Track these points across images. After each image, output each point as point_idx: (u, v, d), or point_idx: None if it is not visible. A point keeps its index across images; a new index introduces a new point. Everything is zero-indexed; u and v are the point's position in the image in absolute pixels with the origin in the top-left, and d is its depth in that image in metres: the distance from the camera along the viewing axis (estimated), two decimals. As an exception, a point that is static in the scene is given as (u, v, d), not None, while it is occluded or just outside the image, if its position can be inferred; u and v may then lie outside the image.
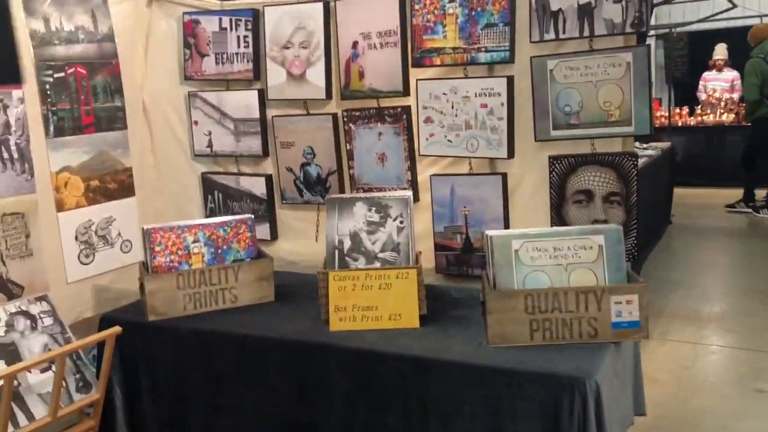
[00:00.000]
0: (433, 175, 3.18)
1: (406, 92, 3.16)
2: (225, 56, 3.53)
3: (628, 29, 2.66)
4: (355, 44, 3.23)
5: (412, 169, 3.23)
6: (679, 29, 11.52)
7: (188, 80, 3.68)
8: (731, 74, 10.53)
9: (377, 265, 2.78)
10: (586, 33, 2.74)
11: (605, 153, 2.83)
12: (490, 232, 2.52)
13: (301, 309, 2.86)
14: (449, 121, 3.08)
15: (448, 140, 3.10)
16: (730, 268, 6.00)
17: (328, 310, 2.62)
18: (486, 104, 2.97)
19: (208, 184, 3.73)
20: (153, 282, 2.84)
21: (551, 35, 2.81)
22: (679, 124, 10.29)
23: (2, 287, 2.99)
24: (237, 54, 3.50)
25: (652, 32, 11.81)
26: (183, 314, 2.87)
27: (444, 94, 3.07)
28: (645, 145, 7.43)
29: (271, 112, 3.52)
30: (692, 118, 10.27)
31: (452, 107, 3.06)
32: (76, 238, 3.34)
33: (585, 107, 2.81)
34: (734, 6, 7.05)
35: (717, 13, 9.38)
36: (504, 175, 3.02)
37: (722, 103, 10.18)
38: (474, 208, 3.08)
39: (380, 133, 3.26)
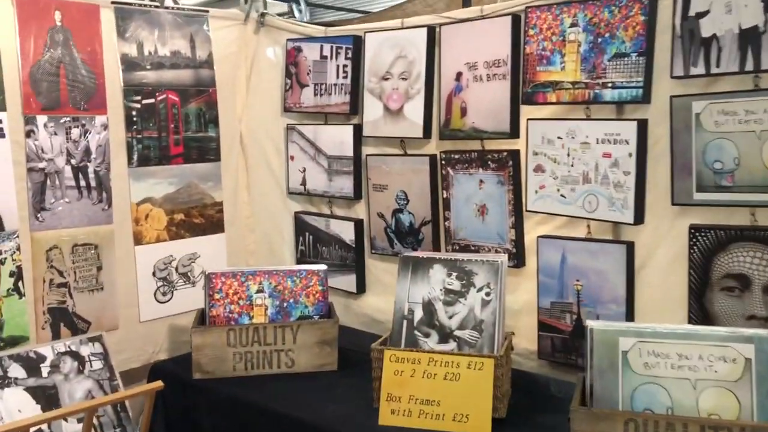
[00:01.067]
0: (541, 236, 2.59)
1: (513, 134, 2.62)
2: (324, 87, 3.21)
3: (812, 61, 1.94)
4: (458, 75, 2.75)
5: (517, 226, 2.66)
6: None
7: (287, 112, 3.41)
8: None
9: (452, 345, 2.26)
10: (750, 67, 2.04)
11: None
12: (592, 323, 1.91)
13: (362, 386, 2.40)
14: (564, 172, 2.48)
15: (562, 195, 2.50)
16: None
17: (381, 397, 2.14)
18: (609, 153, 2.35)
19: (300, 225, 3.41)
20: (200, 336, 2.53)
21: (700, 69, 2.13)
22: None
23: (67, 321, 2.86)
24: (336, 85, 3.17)
25: None
26: (232, 375, 2.54)
27: (559, 138, 2.49)
28: None
29: (366, 150, 3.14)
30: None
31: (568, 155, 2.47)
32: (154, 273, 3.16)
33: (743, 165, 2.09)
34: None
35: None
36: (629, 245, 2.36)
37: None
38: (589, 283, 2.45)
39: (481, 181, 2.73)
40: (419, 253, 2.50)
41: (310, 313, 2.70)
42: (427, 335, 2.30)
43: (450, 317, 2.30)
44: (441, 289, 2.33)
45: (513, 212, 2.66)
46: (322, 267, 2.78)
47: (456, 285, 2.32)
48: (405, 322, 2.33)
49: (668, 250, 2.31)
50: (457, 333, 2.28)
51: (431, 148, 2.94)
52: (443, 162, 2.85)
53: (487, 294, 2.28)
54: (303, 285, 2.72)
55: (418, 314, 2.33)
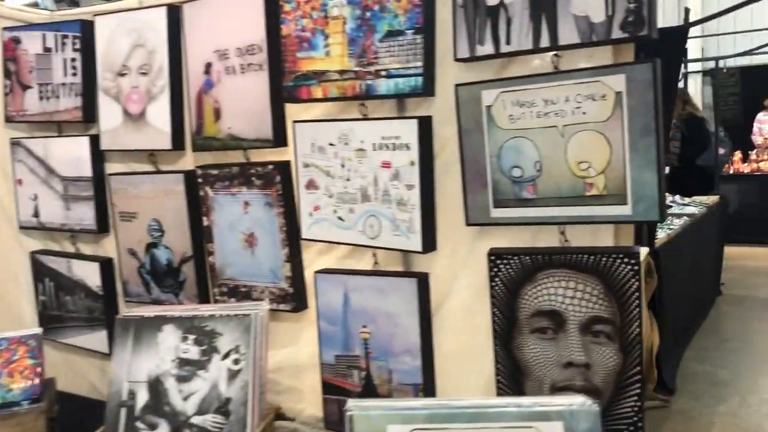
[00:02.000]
0: (319, 271, 2.01)
1: (278, 141, 2.02)
2: (50, 89, 2.47)
3: (617, 33, 1.48)
4: (208, 67, 2.12)
5: (293, 259, 2.07)
6: (730, 64, 10.17)
7: (10, 123, 2.62)
8: (790, 115, 9.12)
9: (183, 439, 1.61)
10: (546, 42, 1.56)
11: (583, 249, 1.62)
12: (352, 404, 1.35)
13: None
14: (339, 188, 1.92)
15: (339, 217, 1.93)
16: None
17: None
18: (389, 162, 1.81)
19: (38, 269, 2.64)
20: None
21: (488, 47, 1.64)
22: (731, 172, 8.88)
23: None
24: (64, 85, 2.43)
25: (698, 67, 10.50)
26: None
27: (331, 144, 1.92)
28: (687, 200, 6.09)
29: (109, 168, 2.43)
30: (746, 164, 8.85)
31: (342, 165, 1.90)
32: None
33: (546, 170, 1.61)
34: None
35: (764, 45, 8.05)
36: (422, 279, 1.83)
37: (782, 148, 8.75)
38: (378, 329, 1.89)
39: (247, 203, 2.11)
40: (143, 311, 1.83)
41: (17, 399, 1.95)
42: (153, 427, 1.65)
43: (185, 398, 1.66)
44: (173, 360, 1.69)
45: (287, 241, 2.06)
46: (36, 332, 2.04)
47: (193, 352, 1.68)
48: (123, 410, 1.67)
49: (469, 284, 1.80)
50: (195, 420, 1.64)
51: (187, 162, 2.29)
52: (200, 180, 2.20)
53: (236, 361, 1.67)
54: (5, 360, 1.97)
55: (142, 397, 1.67)
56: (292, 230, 2.04)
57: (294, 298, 2.07)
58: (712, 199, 6.20)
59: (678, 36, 3.95)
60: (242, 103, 2.05)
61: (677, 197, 6.30)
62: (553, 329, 1.66)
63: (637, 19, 1.44)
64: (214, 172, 2.16)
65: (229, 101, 2.09)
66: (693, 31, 10.53)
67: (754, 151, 9.00)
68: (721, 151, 7.14)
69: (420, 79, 1.72)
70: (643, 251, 4.15)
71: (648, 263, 4.10)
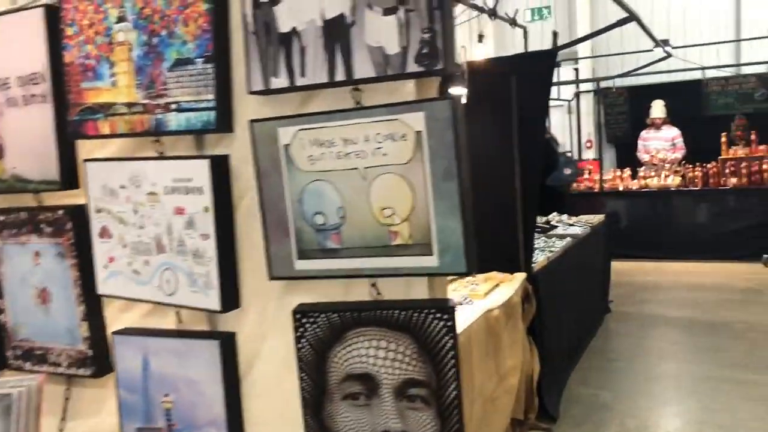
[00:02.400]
0: (117, 332, 1.75)
1: (66, 183, 1.76)
2: None
3: (412, 66, 1.32)
4: (-13, 99, 1.84)
5: (91, 317, 1.80)
6: (618, 84, 10.54)
7: None
8: (671, 132, 9.48)
9: None
10: (342, 75, 1.39)
11: (393, 304, 1.45)
12: None
13: None
14: (133, 237, 1.67)
15: (135, 271, 1.69)
16: (678, 385, 4.64)
17: None
18: (183, 208, 1.58)
19: None
20: None
21: (282, 79, 1.45)
22: (620, 189, 9.14)
23: None
24: None
25: (589, 87, 10.82)
26: None
27: (122, 187, 1.68)
28: (572, 220, 6.16)
29: None
30: (635, 181, 9.14)
31: (135, 211, 1.66)
32: None
33: (350, 217, 1.43)
34: (668, 55, 5.94)
35: (648, 64, 8.37)
36: (226, 340, 1.61)
37: (666, 165, 9.08)
38: (181, 398, 1.66)
39: (37, 253, 1.84)
40: None
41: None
42: None
43: None
44: None
45: (82, 297, 1.79)
46: None
47: (-65, 443, 1.39)
48: None
49: (278, 345, 1.59)
50: None
51: (-26, 206, 1.98)
52: (-14, 227, 1.91)
53: (-11, 451, 1.39)
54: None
55: None
56: (88, 285, 1.78)
57: (94, 362, 1.80)
58: (597, 218, 6.29)
59: (547, 59, 3.93)
60: (27, 139, 1.78)
61: (564, 217, 6.36)
62: (365, 395, 1.47)
63: (432, 51, 1.29)
64: (1, 218, 1.87)
65: (13, 137, 1.81)
66: (583, 52, 10.89)
67: (642, 168, 9.30)
68: (568, 171, 7.29)
69: (213, 114, 1.51)
70: (520, 277, 4.09)
71: (525, 289, 4.03)
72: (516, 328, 3.76)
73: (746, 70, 9.85)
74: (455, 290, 3.66)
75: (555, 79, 9.59)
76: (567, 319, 4.71)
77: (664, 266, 8.32)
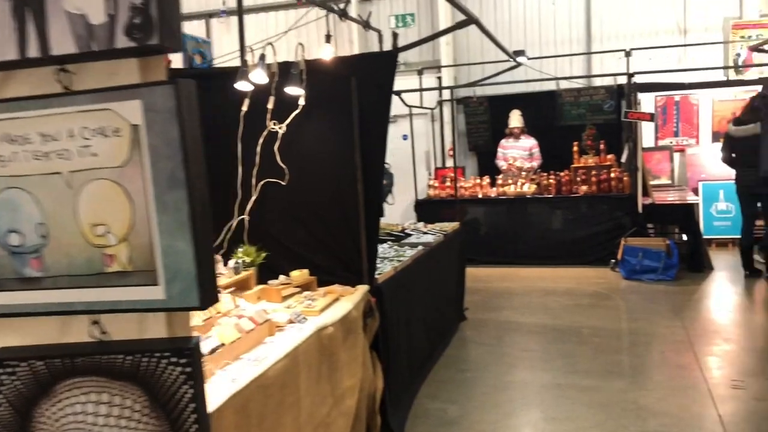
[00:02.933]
0: None
1: None
2: None
3: (122, 40, 1.02)
4: None
5: None
6: (479, 93, 10.72)
7: None
8: (529, 142, 9.75)
9: None
10: (35, 50, 1.06)
11: (116, 347, 1.14)
12: None
13: None
14: None
15: None
16: (524, 394, 4.61)
17: None
18: None
19: None
20: None
21: (-39, 55, 1.10)
22: (480, 196, 9.26)
23: None
24: None
25: (445, 96, 10.93)
26: None
27: None
28: (427, 228, 6.06)
29: None
30: (494, 188, 9.28)
31: None
32: None
33: (54, 236, 1.11)
34: (518, 64, 5.99)
35: (499, 73, 8.54)
36: None
37: (523, 173, 9.29)
38: None
39: None
40: None
41: None
42: None
43: None
44: None
45: None
46: None
47: None
48: None
49: None
50: None
51: None
52: None
53: None
54: None
55: None
56: None
57: None
58: (453, 225, 6.23)
59: (387, 60, 3.74)
60: None
61: (420, 225, 6.25)
62: (84, 463, 1.15)
63: (145, 22, 0.99)
64: None
65: None
66: (446, 61, 11.01)
67: (500, 176, 9.47)
68: (384, 181, 7.30)
69: None
70: (362, 289, 3.88)
71: (368, 302, 3.82)
72: (356, 344, 3.52)
73: (597, 82, 10.31)
74: (290, 307, 3.38)
75: (417, 87, 9.62)
76: (416, 331, 4.56)
77: (521, 272, 8.48)
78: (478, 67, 10.75)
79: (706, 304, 6.86)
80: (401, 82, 10.44)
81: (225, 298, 3.14)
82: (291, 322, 3.11)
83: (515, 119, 9.77)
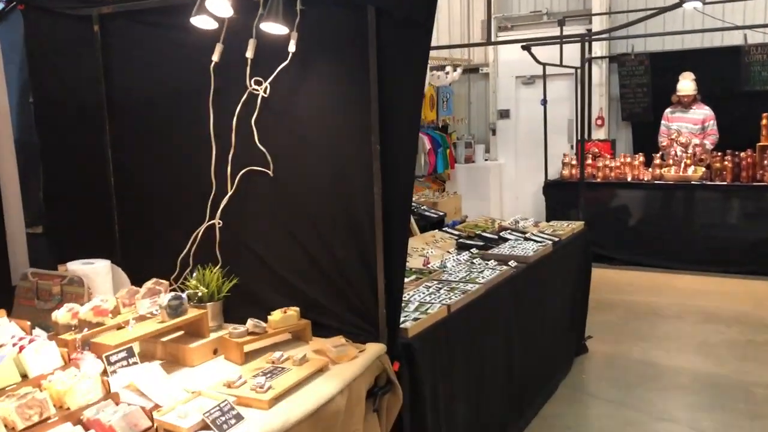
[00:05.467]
0: None
1: None
2: None
3: None
4: None
5: None
6: (639, 49, 8.65)
7: None
8: (702, 112, 7.61)
9: None
10: None
11: None
12: None
13: None
14: None
15: None
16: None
17: None
18: None
19: None
20: None
21: None
22: (629, 179, 7.36)
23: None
24: None
25: (604, 52, 8.95)
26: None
27: None
28: (537, 228, 4.47)
29: None
30: (649, 170, 7.34)
31: None
32: None
33: None
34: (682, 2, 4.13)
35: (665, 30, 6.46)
36: None
37: (689, 151, 7.24)
38: None
39: None
40: None
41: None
42: None
43: None
44: None
45: None
46: None
47: None
48: None
49: None
50: None
51: None
52: None
53: None
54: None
55: None
56: None
57: None
58: (572, 227, 4.59)
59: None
60: None
61: (530, 222, 4.67)
62: None
63: None
64: None
65: None
66: (599, 7, 9.01)
67: (658, 155, 7.48)
68: None
69: None
70: (372, 351, 2.46)
71: (383, 372, 2.43)
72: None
73: (800, 34, 7.86)
74: (249, 379, 2.07)
75: (558, 40, 7.78)
76: (483, 401, 3.08)
77: (676, 280, 6.57)
78: (639, 18, 8.65)
79: None
80: (537, 35, 8.62)
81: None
82: (205, 429, 1.80)
83: (686, 84, 7.66)
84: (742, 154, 6.82)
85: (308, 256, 2.48)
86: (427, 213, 4.68)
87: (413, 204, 4.79)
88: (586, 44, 8.74)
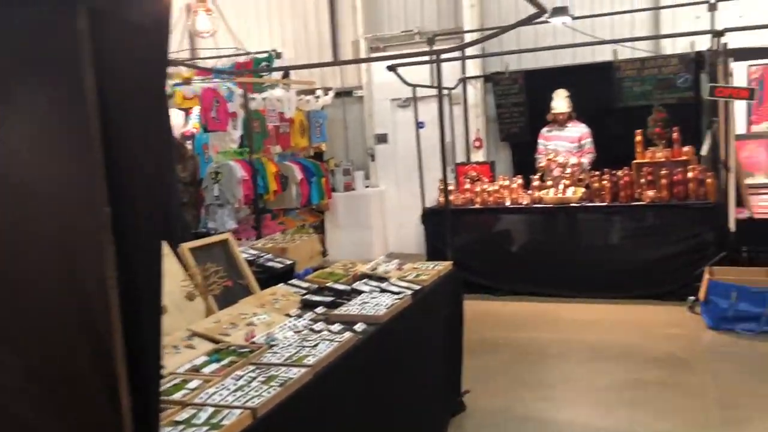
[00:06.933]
0: None
1: None
2: None
3: None
4: None
5: None
6: (512, 68, 8.38)
7: None
8: (578, 130, 7.41)
9: None
10: None
11: None
12: None
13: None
14: None
15: None
16: None
17: None
18: None
19: None
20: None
21: None
22: (508, 203, 6.97)
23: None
24: None
25: (475, 72, 8.63)
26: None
27: None
28: (400, 271, 3.86)
29: None
30: (528, 192, 6.97)
31: None
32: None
33: None
34: (542, 12, 3.72)
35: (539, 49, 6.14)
36: None
37: (566, 171, 6.94)
38: None
39: None
40: None
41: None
42: None
43: None
44: None
45: None
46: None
47: None
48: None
49: None
50: None
51: None
52: None
53: None
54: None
55: None
56: None
57: None
58: (437, 269, 4.00)
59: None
60: None
61: (392, 266, 4.07)
62: None
63: None
64: None
65: None
66: (471, 26, 8.70)
67: (536, 176, 7.14)
68: None
69: None
70: None
71: None
72: None
73: (668, 49, 7.83)
74: None
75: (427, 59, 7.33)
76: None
77: (563, 310, 6.18)
78: (512, 36, 8.39)
79: None
80: (409, 57, 8.13)
81: None
82: None
83: (560, 102, 7.42)
84: (620, 173, 6.58)
85: (17, 366, 1.70)
86: (271, 263, 3.96)
87: (253, 253, 4.06)
88: (461, 63, 8.40)
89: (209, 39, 8.68)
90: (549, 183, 6.96)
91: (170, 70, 6.88)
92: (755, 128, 7.58)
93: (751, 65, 7.43)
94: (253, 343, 2.78)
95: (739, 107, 7.28)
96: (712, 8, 6.27)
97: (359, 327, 2.92)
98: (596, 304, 6.23)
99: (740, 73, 7.28)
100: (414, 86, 7.08)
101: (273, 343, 2.75)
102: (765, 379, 4.25)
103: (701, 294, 5.47)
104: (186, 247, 3.39)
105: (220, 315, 3.10)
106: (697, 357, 4.77)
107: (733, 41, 6.03)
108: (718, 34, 5.69)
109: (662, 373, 4.48)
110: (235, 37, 5.72)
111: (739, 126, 7.29)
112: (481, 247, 6.90)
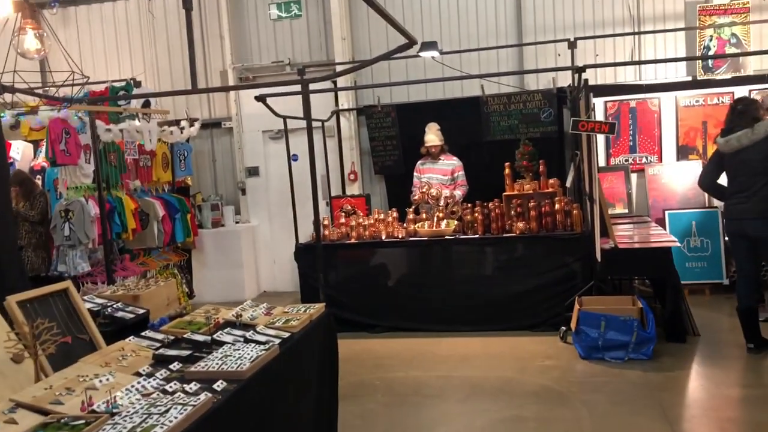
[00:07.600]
0: None
1: None
2: None
3: None
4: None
5: None
6: (384, 102, 8.35)
7: None
8: (451, 163, 7.46)
9: None
10: None
11: None
12: None
13: None
14: None
15: None
16: None
17: None
18: None
19: None
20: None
21: None
22: (383, 237, 6.83)
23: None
24: None
25: (348, 105, 8.53)
26: None
27: None
28: (270, 317, 3.54)
29: None
30: (404, 226, 6.87)
31: None
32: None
33: None
34: (413, 42, 3.63)
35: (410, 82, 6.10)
36: None
37: (440, 204, 6.92)
38: None
39: None
40: None
41: None
42: None
43: None
44: None
45: None
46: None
47: None
48: None
49: None
50: None
51: None
52: None
53: None
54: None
55: None
56: None
57: None
58: (309, 313, 3.72)
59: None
60: None
61: (260, 310, 3.74)
62: None
63: None
64: None
65: None
66: (342, 58, 8.60)
67: (411, 209, 7.06)
68: None
69: None
70: None
71: None
72: None
73: (531, 86, 8.10)
74: None
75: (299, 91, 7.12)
76: None
77: (441, 345, 6.07)
78: (384, 70, 8.40)
79: (714, 406, 4.54)
80: (279, 86, 7.87)
81: None
82: None
83: (431, 136, 7.44)
84: (491, 205, 6.63)
85: None
86: (121, 313, 3.51)
87: (99, 303, 3.60)
88: (334, 94, 8.26)
89: (61, 65, 7.98)
90: (424, 216, 6.91)
91: (11, 98, 6.19)
92: (614, 161, 7.97)
93: (608, 101, 7.84)
94: (92, 412, 2.37)
95: (600, 141, 7.64)
96: (572, 46, 6.52)
97: (219, 385, 2.59)
98: (473, 337, 6.18)
99: (598, 109, 7.66)
100: (284, 117, 6.84)
101: (115, 411, 2.36)
102: (635, 410, 4.30)
103: (572, 324, 5.55)
104: (13, 300, 2.91)
105: (54, 379, 2.65)
106: (572, 389, 4.78)
107: (591, 79, 6.30)
108: (579, 70, 5.90)
109: (539, 408, 4.43)
110: (71, 61, 5.20)
111: (600, 159, 7.66)
112: (357, 283, 6.70)
